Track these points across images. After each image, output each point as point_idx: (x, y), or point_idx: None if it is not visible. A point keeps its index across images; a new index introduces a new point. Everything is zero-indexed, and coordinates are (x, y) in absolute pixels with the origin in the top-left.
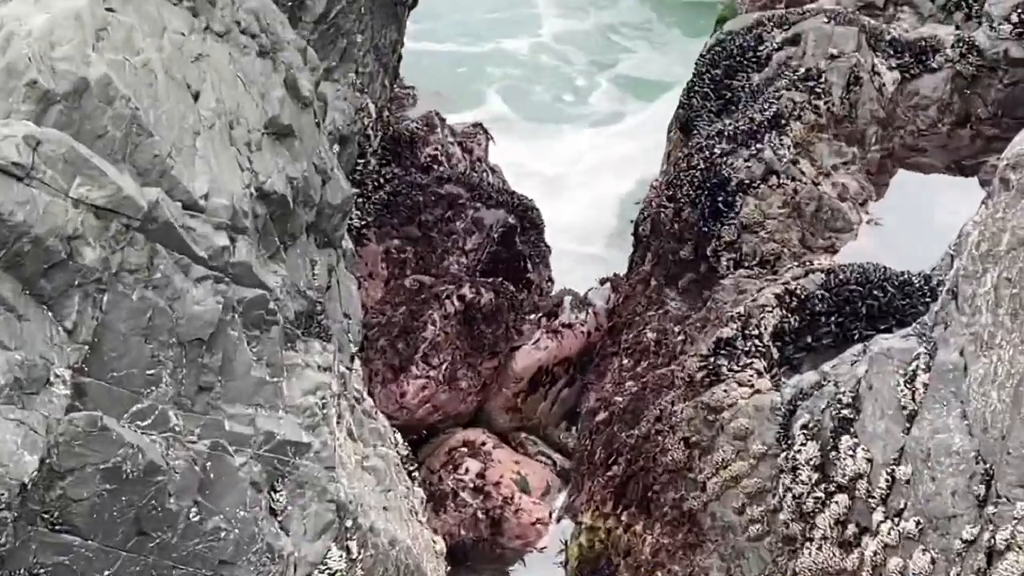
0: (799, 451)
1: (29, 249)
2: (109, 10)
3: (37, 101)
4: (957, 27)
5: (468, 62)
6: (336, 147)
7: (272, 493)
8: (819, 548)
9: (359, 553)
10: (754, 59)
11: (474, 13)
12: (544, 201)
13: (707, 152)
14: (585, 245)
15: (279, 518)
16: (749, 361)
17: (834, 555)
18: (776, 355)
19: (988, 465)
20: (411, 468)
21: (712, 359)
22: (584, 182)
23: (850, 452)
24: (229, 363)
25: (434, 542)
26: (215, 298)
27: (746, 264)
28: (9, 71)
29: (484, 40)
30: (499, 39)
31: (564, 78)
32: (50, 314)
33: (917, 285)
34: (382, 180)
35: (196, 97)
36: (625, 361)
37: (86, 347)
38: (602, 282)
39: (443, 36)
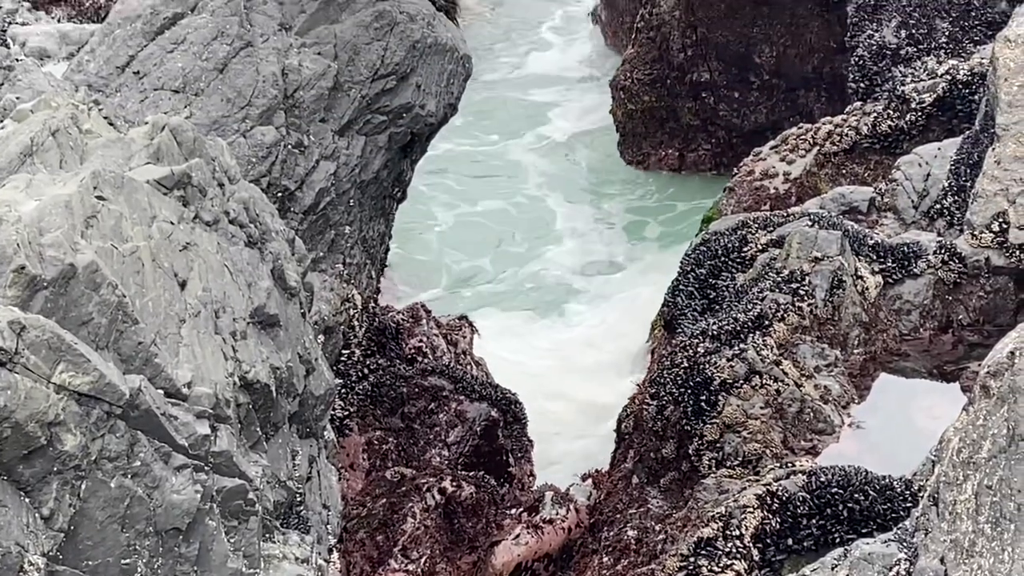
0: None
1: (9, 435)
2: (100, 198)
3: (24, 287)
4: (939, 234)
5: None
6: (321, 337)
7: None
8: None
9: None
10: (739, 259)
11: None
12: (529, 395)
13: (691, 351)
14: (568, 433)
15: None
16: (730, 562)
17: None
18: (757, 557)
19: None
20: None
21: (693, 559)
22: (570, 378)
23: None
24: (206, 553)
25: None
26: (194, 487)
27: (728, 464)
28: None
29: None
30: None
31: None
32: (27, 500)
33: (898, 490)
34: (366, 371)
35: (183, 285)
36: (605, 559)
37: (62, 535)
38: (584, 478)
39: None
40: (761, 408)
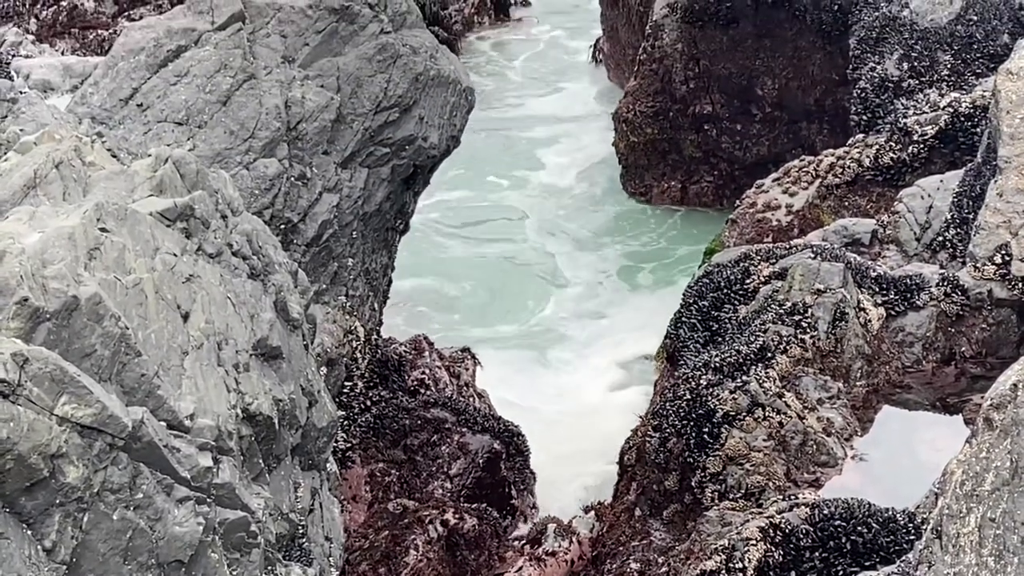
0: None
1: (12, 466)
2: (103, 230)
3: (27, 319)
4: (942, 266)
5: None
6: (323, 369)
7: None
8: None
9: None
10: (741, 291)
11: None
12: (532, 429)
13: (693, 383)
14: (571, 468)
15: None
16: None
17: None
18: None
19: None
20: None
21: None
22: (570, 415)
23: None
24: None
25: None
26: (196, 519)
27: (731, 496)
28: (0, 288)
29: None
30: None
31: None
32: (29, 533)
33: (902, 523)
34: (369, 403)
35: (186, 317)
36: None
37: (64, 567)
38: (586, 510)
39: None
40: (764, 440)
